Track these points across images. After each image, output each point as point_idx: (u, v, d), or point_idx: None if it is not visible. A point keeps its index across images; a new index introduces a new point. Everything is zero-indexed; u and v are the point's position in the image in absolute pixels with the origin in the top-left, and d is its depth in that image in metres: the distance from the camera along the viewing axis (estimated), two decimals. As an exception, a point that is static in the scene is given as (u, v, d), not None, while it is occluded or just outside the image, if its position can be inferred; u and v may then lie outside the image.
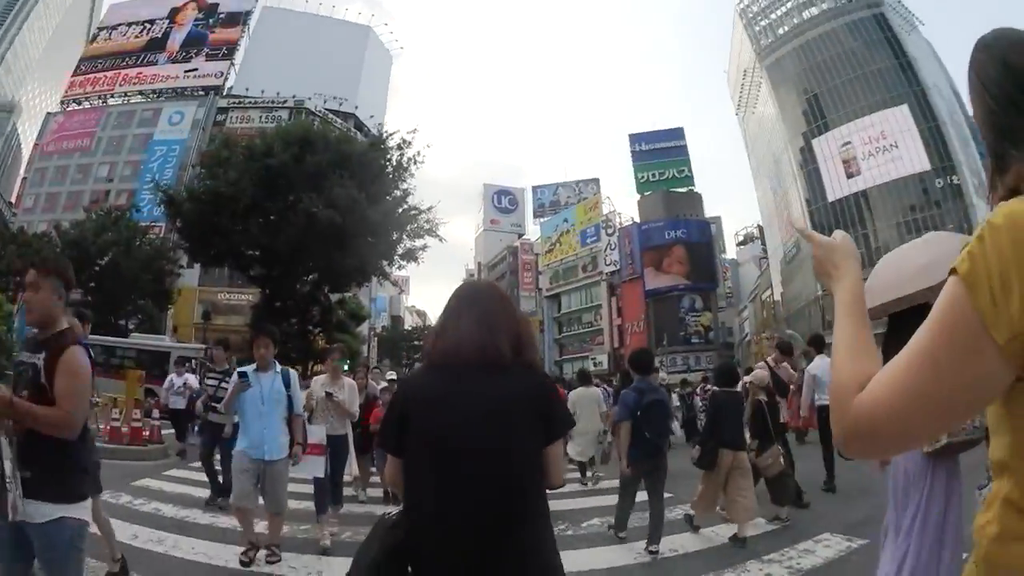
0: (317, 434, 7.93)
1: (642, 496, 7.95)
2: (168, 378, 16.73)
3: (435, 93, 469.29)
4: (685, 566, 7.33)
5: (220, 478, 9.78)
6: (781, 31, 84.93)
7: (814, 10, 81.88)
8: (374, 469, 11.33)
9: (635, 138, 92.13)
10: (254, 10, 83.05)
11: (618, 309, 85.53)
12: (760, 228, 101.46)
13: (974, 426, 3.44)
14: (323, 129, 42.45)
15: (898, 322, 3.68)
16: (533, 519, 2.53)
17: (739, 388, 9.26)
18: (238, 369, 7.38)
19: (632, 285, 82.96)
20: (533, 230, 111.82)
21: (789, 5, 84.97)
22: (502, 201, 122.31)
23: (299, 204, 34.47)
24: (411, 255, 41.14)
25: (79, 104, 78.47)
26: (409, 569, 2.49)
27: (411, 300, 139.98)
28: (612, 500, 8.62)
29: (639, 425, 7.63)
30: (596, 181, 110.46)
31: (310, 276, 39.77)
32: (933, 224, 61.61)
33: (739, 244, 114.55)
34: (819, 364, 10.66)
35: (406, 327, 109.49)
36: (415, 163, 39.65)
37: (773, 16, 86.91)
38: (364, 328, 68.04)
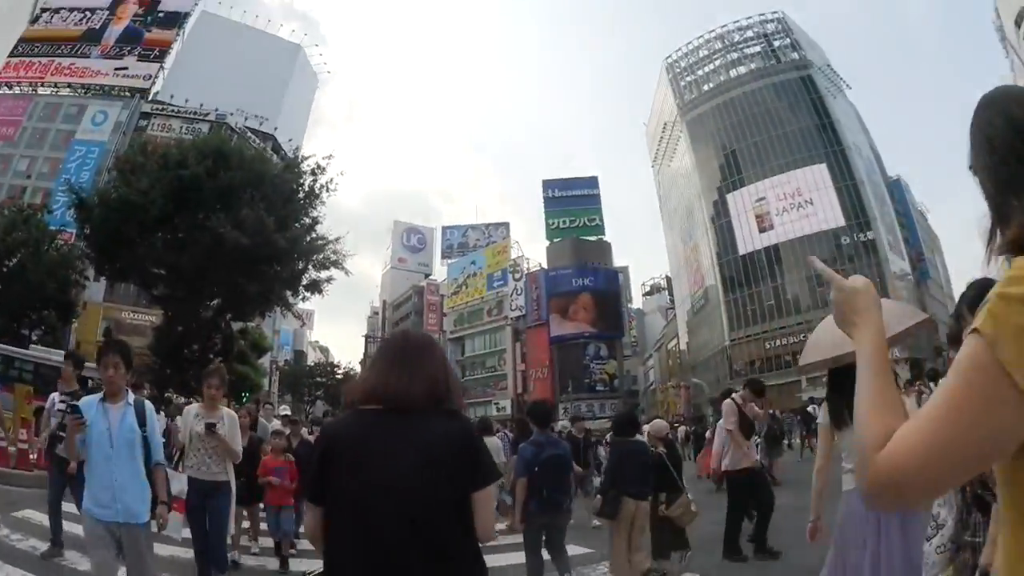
0: (177, 485, 6.15)
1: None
2: (51, 396, 15.02)
3: (356, 123, 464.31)
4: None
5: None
6: (706, 87, 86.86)
7: (742, 69, 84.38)
8: (263, 514, 9.93)
9: (549, 184, 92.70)
10: (192, 12, 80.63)
11: (522, 355, 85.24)
12: (668, 279, 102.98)
13: None
14: (240, 145, 40.68)
15: (838, 378, 4.25)
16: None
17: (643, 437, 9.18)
18: (72, 401, 5.65)
19: (537, 331, 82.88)
20: (440, 271, 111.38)
21: (717, 63, 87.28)
22: (411, 239, 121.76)
23: (207, 222, 32.54)
24: (316, 287, 39.45)
25: (10, 88, 74.76)
26: None
27: (315, 335, 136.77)
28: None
29: (536, 481, 7.27)
30: (506, 225, 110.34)
31: (214, 301, 37.68)
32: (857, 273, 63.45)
33: (645, 294, 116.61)
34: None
35: (309, 363, 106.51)
36: (327, 190, 38.20)
37: (700, 72, 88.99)
38: (266, 360, 65.59)
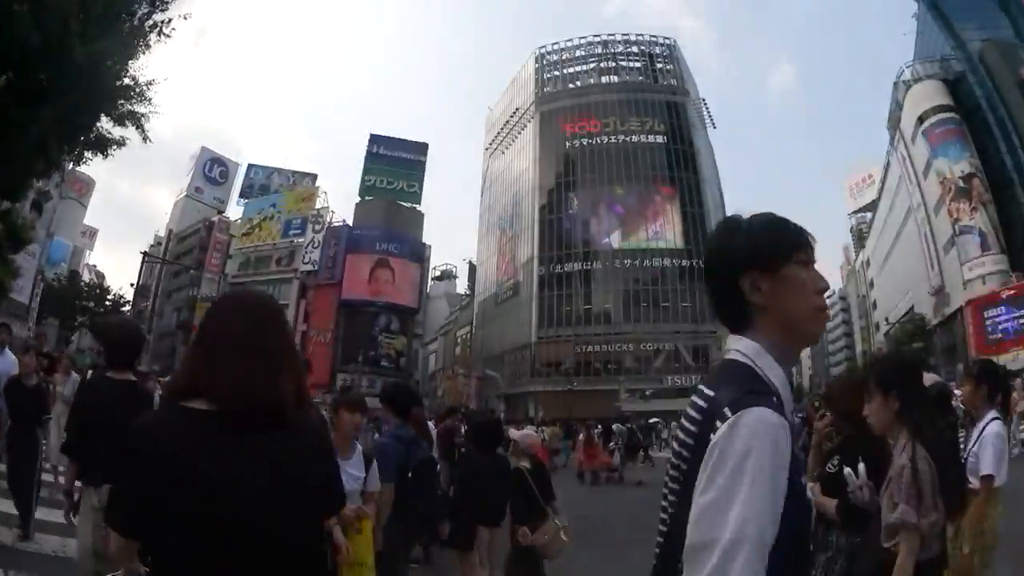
0: None
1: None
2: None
3: (200, 51, 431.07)
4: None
5: None
6: (571, 85, 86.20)
7: (615, 79, 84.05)
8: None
9: (376, 139, 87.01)
10: None
11: (306, 313, 78.01)
12: (470, 265, 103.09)
13: None
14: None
15: None
16: None
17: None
18: None
19: (327, 290, 77.07)
20: (236, 211, 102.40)
21: (591, 66, 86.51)
22: (213, 170, 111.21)
23: None
24: (102, 145, 29.11)
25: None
26: None
27: (94, 259, 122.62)
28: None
29: (406, 492, 5.82)
30: (313, 176, 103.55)
31: None
32: (664, 297, 69.12)
33: (435, 279, 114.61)
34: None
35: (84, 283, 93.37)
36: (162, 34, 27.96)
37: (569, 70, 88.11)
38: (29, 264, 53.12)
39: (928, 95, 63.23)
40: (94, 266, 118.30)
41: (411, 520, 5.99)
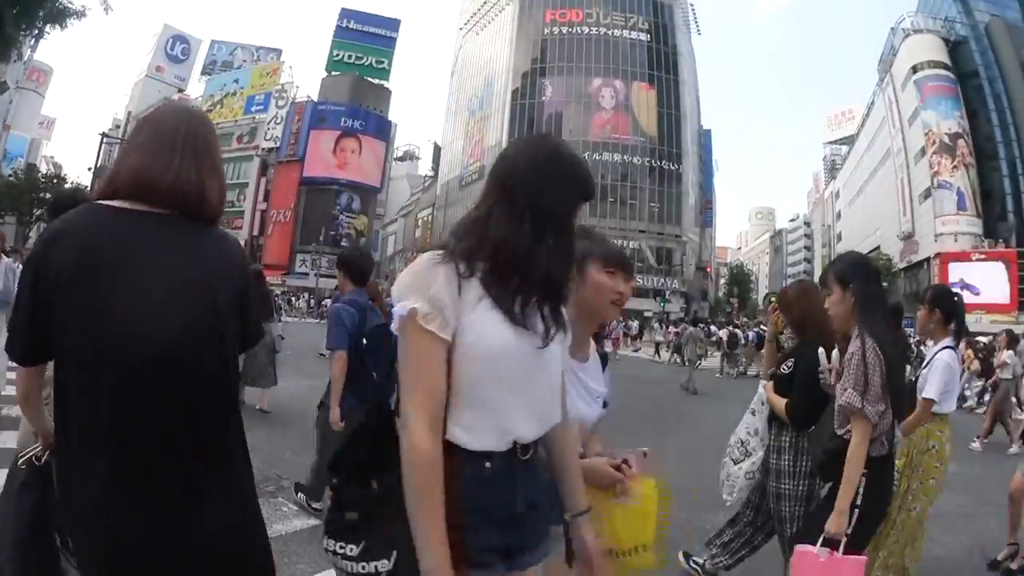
0: None
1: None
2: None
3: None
4: None
5: None
6: None
7: None
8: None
9: (347, 13, 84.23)
10: None
11: (266, 192, 76.72)
12: (435, 146, 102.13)
13: None
14: None
15: None
16: (239, 462, 1.87)
17: None
18: None
19: (289, 167, 75.15)
20: (198, 89, 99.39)
21: None
22: (175, 47, 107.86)
23: None
24: (61, 16, 26.04)
25: None
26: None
27: (51, 150, 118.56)
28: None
29: (361, 358, 5.26)
30: (278, 51, 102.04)
31: None
32: (632, 195, 70.74)
33: (397, 159, 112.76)
34: None
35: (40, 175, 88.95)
36: None
37: None
38: None
39: (925, 48, 66.37)
40: (51, 157, 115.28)
41: (365, 389, 5.16)
